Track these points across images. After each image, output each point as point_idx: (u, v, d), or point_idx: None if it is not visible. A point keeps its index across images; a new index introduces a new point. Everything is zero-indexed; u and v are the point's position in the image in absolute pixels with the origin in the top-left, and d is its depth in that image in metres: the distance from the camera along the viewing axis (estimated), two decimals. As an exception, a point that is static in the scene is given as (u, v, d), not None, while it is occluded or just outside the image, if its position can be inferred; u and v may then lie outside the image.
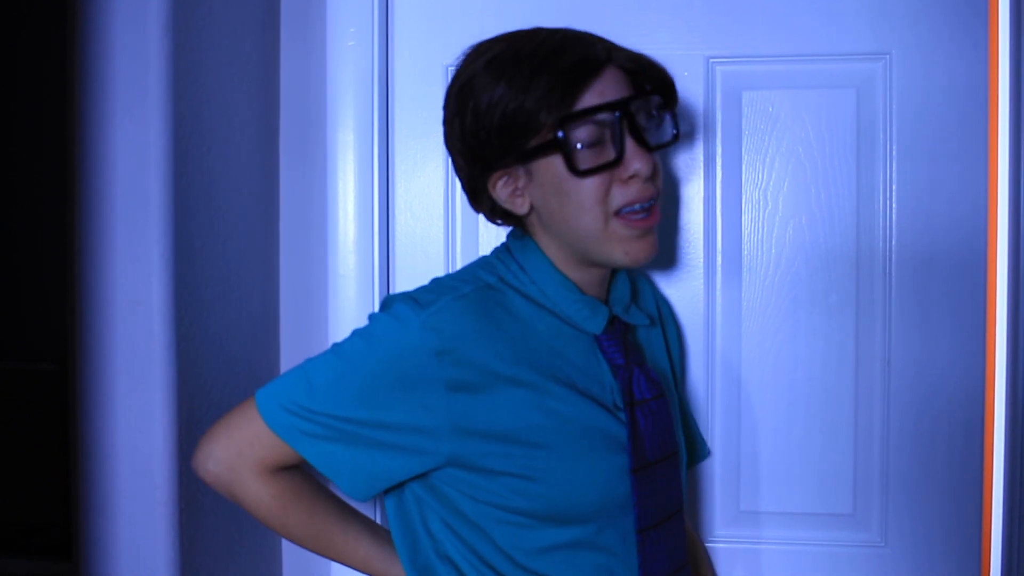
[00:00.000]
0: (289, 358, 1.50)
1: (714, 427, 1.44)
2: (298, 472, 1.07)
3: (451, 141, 1.08)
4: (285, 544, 1.50)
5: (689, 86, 1.42)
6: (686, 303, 1.44)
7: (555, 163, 1.01)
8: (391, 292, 1.48)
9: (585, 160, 0.99)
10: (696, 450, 1.37)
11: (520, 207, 1.06)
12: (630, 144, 1.00)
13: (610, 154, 1.00)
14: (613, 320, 1.10)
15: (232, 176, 1.32)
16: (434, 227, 1.48)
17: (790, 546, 1.44)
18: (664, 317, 1.29)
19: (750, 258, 1.42)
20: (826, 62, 1.40)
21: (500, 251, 1.12)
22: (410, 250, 1.48)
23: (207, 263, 1.24)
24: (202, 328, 1.23)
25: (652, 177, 1.03)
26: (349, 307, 1.46)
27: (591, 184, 1.00)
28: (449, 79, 1.45)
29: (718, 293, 1.43)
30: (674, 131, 1.07)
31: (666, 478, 1.07)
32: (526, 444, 1.00)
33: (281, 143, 1.50)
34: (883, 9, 1.39)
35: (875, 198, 1.40)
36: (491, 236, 1.45)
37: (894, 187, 1.39)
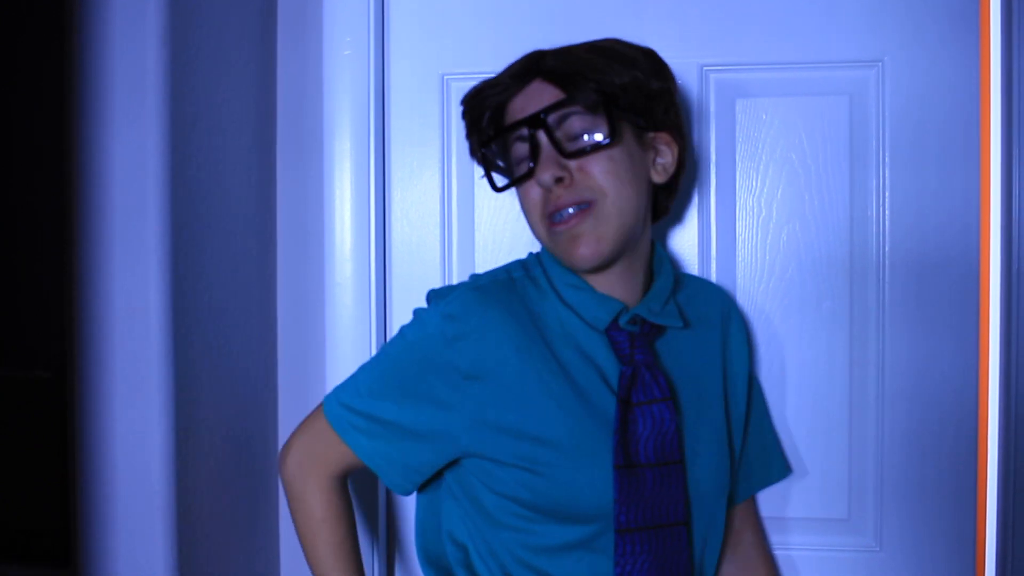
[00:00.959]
0: (286, 365, 1.51)
1: (709, 432, 1.44)
2: (347, 498, 1.18)
3: None
4: (283, 550, 1.50)
5: (682, 94, 1.42)
6: (681, 309, 1.44)
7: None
8: (388, 300, 1.49)
9: (506, 176, 1.13)
10: (769, 471, 1.34)
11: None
12: (542, 155, 1.06)
13: (501, 181, 1.13)
14: (635, 318, 1.10)
15: (229, 184, 1.32)
16: (430, 235, 1.48)
17: (786, 551, 1.44)
18: (731, 325, 1.26)
19: (744, 265, 1.43)
20: (819, 69, 1.41)
21: (529, 256, 1.20)
22: (406, 258, 1.49)
23: (204, 271, 1.25)
24: (199, 336, 1.23)
25: (566, 182, 1.05)
26: (346, 315, 1.46)
27: (523, 196, 1.10)
28: (445, 88, 1.47)
29: (713, 299, 1.44)
30: (602, 136, 1.06)
31: (661, 485, 1.07)
32: (533, 439, 1.03)
33: (278, 151, 1.50)
34: (876, 17, 1.40)
35: (868, 204, 1.41)
36: (487, 244, 1.46)
37: (887, 193, 1.40)
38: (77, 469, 1.16)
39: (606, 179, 1.05)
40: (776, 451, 1.36)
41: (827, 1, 1.40)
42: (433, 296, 1.13)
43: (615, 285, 1.12)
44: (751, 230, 1.42)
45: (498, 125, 1.13)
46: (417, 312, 1.13)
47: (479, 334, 1.05)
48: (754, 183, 1.42)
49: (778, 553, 1.44)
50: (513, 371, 1.04)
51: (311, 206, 1.49)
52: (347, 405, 1.12)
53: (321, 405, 1.16)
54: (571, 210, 1.05)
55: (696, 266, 1.43)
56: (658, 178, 1.13)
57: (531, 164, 1.06)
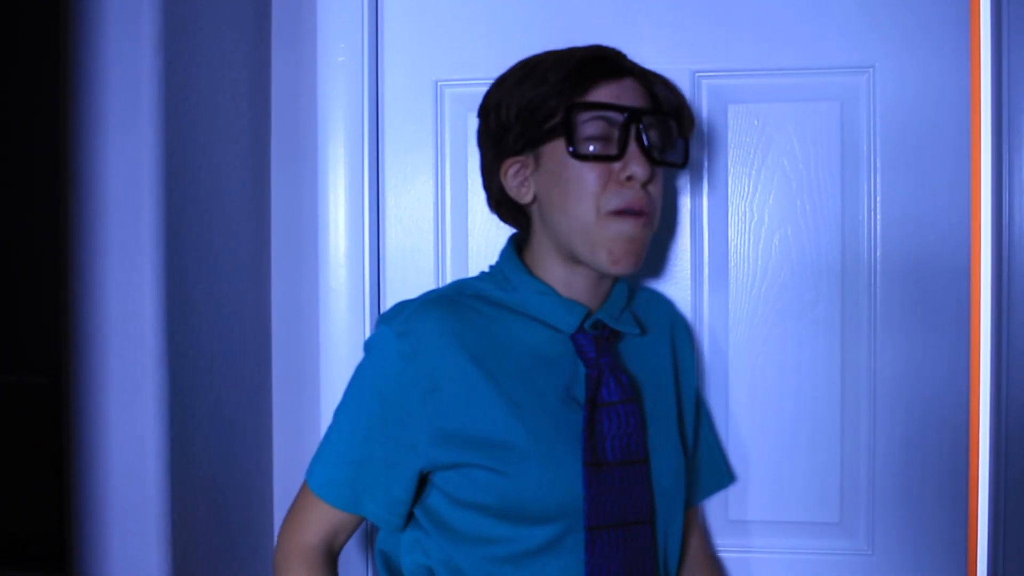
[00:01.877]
0: (280, 371, 1.51)
1: (702, 437, 1.45)
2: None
3: (480, 138, 1.18)
4: (277, 555, 1.50)
5: (675, 100, 1.43)
6: (674, 314, 1.45)
7: (559, 148, 1.07)
8: (382, 306, 1.49)
9: (585, 147, 1.06)
10: (718, 477, 1.37)
11: (524, 195, 1.12)
12: (633, 148, 1.06)
13: (612, 151, 1.06)
14: (596, 323, 1.13)
15: (224, 190, 1.33)
16: (424, 241, 1.49)
17: (778, 555, 1.45)
18: (678, 334, 1.29)
19: (737, 269, 1.44)
20: (811, 75, 1.42)
21: (491, 267, 1.19)
22: (401, 264, 1.50)
23: (199, 276, 1.25)
24: (194, 341, 1.23)
25: (648, 185, 1.08)
26: (340, 320, 1.47)
27: (589, 173, 1.06)
28: (439, 94, 1.48)
29: (705, 304, 1.45)
30: (682, 158, 1.15)
31: (627, 483, 1.08)
32: (495, 444, 1.04)
33: (272, 157, 1.51)
34: (867, 23, 1.40)
35: (860, 209, 1.41)
36: (481, 249, 1.46)
37: (878, 198, 1.41)
38: (72, 474, 1.16)
39: (659, 198, 1.12)
40: (722, 459, 1.40)
41: (818, 8, 1.41)
42: (382, 320, 1.11)
43: (583, 288, 1.13)
44: (743, 235, 1.43)
45: (579, 96, 1.08)
46: (368, 343, 1.11)
47: (434, 346, 1.05)
48: (746, 188, 1.43)
49: (770, 557, 1.44)
50: (469, 379, 1.05)
51: (305, 212, 1.50)
52: (331, 473, 1.11)
53: (304, 489, 1.15)
54: (640, 210, 1.08)
55: (689, 271, 1.44)
56: None
57: (615, 150, 1.06)
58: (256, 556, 1.43)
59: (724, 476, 1.39)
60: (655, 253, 1.45)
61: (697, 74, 1.43)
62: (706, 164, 1.44)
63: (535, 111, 1.08)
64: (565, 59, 1.08)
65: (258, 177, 1.46)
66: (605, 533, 1.06)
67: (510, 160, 1.12)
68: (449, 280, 1.47)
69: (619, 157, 1.06)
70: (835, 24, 1.41)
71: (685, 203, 1.44)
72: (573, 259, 1.11)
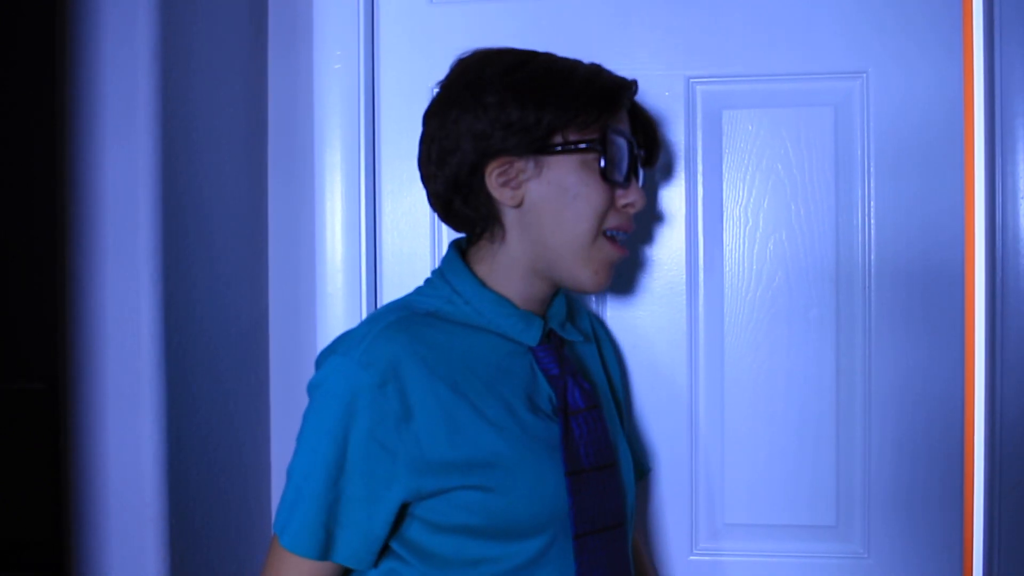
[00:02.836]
0: (278, 376, 1.51)
1: (697, 441, 1.46)
2: None
3: (454, 121, 1.06)
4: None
5: (670, 105, 1.44)
6: (668, 319, 1.45)
7: (571, 162, 1.05)
8: (377, 310, 1.49)
9: (607, 169, 1.06)
10: (640, 463, 1.39)
11: (511, 198, 1.06)
12: (635, 178, 1.10)
13: (617, 174, 1.07)
14: (549, 334, 1.12)
15: (221, 196, 1.33)
16: (421, 246, 1.49)
17: (774, 558, 1.45)
18: (600, 337, 1.32)
19: (731, 274, 1.44)
20: (804, 81, 1.42)
21: (433, 279, 1.13)
22: (397, 269, 1.50)
23: (196, 282, 1.25)
24: (192, 346, 1.23)
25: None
26: (337, 325, 1.47)
27: (601, 194, 1.05)
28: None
29: (700, 309, 1.45)
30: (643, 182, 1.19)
31: (603, 487, 1.08)
32: (476, 465, 1.00)
33: (269, 163, 1.51)
34: (860, 29, 1.41)
35: (854, 214, 1.42)
36: (477, 254, 1.46)
37: (872, 203, 1.41)
38: (70, 480, 1.17)
39: None
40: (642, 447, 1.45)
41: (812, 13, 1.41)
42: (333, 353, 1.02)
43: (535, 302, 1.12)
44: (738, 240, 1.44)
45: (613, 120, 1.09)
46: (321, 379, 1.01)
47: (402, 373, 0.99)
48: (741, 193, 1.43)
49: (766, 560, 1.45)
50: (443, 402, 1.00)
51: (302, 217, 1.50)
52: (302, 522, 1.01)
53: (274, 546, 1.05)
54: (626, 236, 1.11)
55: (684, 276, 1.45)
56: None
57: (621, 177, 1.08)
58: (254, 561, 1.43)
59: (644, 462, 1.43)
60: (649, 259, 1.45)
61: (691, 80, 1.44)
62: (701, 169, 1.44)
63: (557, 119, 1.03)
64: (591, 78, 1.07)
65: (255, 183, 1.46)
66: (590, 540, 1.05)
67: (501, 159, 1.05)
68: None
69: (627, 184, 1.08)
70: (829, 30, 1.41)
71: (680, 208, 1.45)
72: (537, 272, 1.09)
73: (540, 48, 1.12)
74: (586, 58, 1.12)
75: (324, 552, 1.01)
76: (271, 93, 1.51)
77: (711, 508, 1.46)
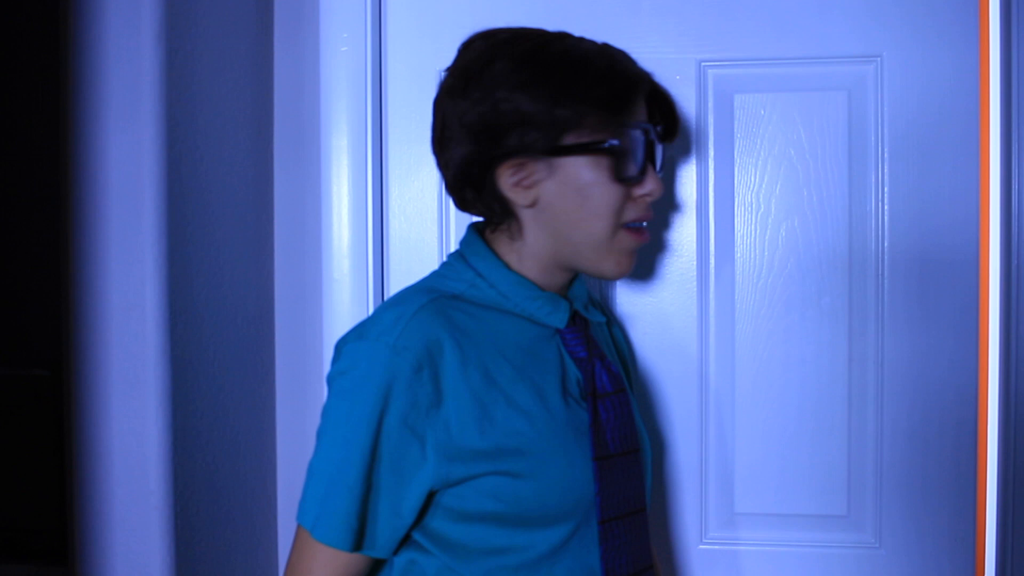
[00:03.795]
0: (284, 363, 1.50)
1: (708, 429, 1.45)
2: None
3: (458, 118, 1.04)
4: (281, 549, 1.50)
5: (681, 89, 1.42)
6: (679, 305, 1.44)
7: (584, 164, 1.02)
8: (385, 296, 1.48)
9: (621, 169, 1.03)
10: None
11: (524, 198, 1.03)
12: (649, 166, 1.06)
13: (634, 171, 1.04)
14: (574, 316, 1.11)
15: (226, 181, 1.32)
16: (428, 231, 1.48)
17: (785, 548, 1.44)
18: (610, 321, 1.32)
19: (743, 260, 1.43)
20: (818, 65, 1.41)
21: (452, 262, 1.11)
22: (404, 254, 1.49)
23: (201, 268, 1.24)
24: (196, 333, 1.23)
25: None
26: (343, 311, 1.46)
27: (615, 193, 1.03)
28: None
29: (711, 295, 1.44)
30: (661, 165, 1.12)
31: (628, 472, 1.08)
32: (512, 452, 1.00)
33: (275, 148, 1.50)
34: (874, 12, 1.39)
35: (867, 200, 1.40)
36: (485, 240, 1.45)
37: (886, 189, 1.40)
38: (74, 467, 1.16)
39: None
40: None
41: (826, -4, 1.40)
42: (362, 338, 1.00)
43: (557, 288, 1.11)
44: (749, 226, 1.42)
45: (626, 119, 1.04)
46: (350, 364, 0.99)
47: (436, 358, 0.97)
48: (752, 179, 1.42)
49: (777, 550, 1.44)
50: (474, 388, 0.99)
51: (308, 202, 1.49)
52: (334, 512, 0.98)
53: (301, 536, 1.02)
54: (645, 224, 1.09)
55: (695, 262, 1.43)
56: None
57: (636, 171, 1.04)
58: (259, 548, 1.42)
59: None
60: (660, 245, 1.44)
61: (703, 64, 1.42)
62: (712, 154, 1.43)
63: (570, 119, 1.00)
64: (605, 74, 1.02)
65: (261, 168, 1.45)
66: (615, 525, 1.05)
67: (513, 160, 1.02)
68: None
69: (639, 178, 1.05)
70: (843, 13, 1.40)
71: (691, 193, 1.43)
72: (559, 262, 1.08)
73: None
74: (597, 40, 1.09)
75: (358, 543, 0.99)
76: (277, 76, 1.49)
77: (722, 497, 1.45)
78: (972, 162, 1.38)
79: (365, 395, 0.97)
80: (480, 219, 1.13)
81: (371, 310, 1.45)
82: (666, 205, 1.44)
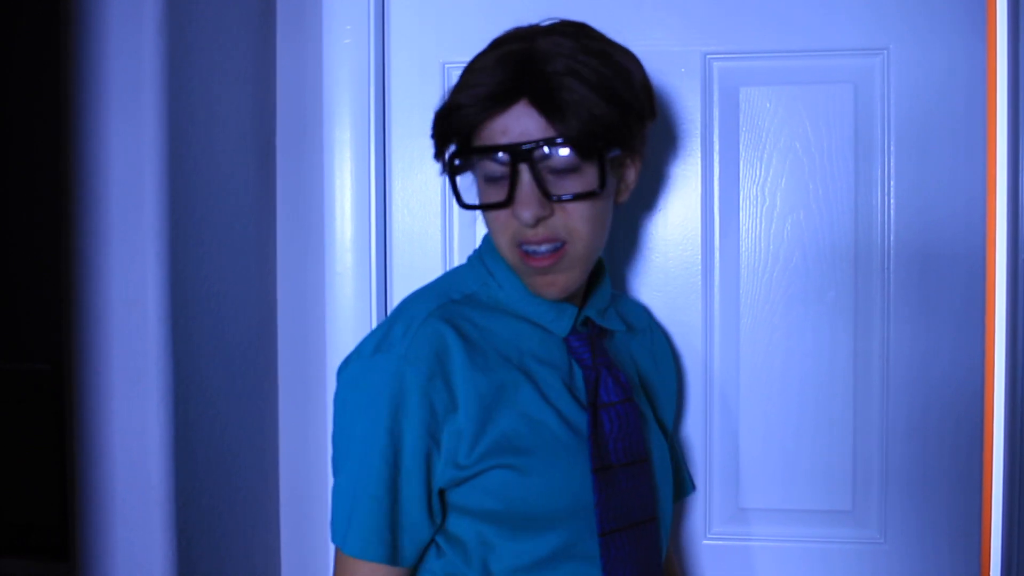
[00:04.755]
0: (287, 357, 1.50)
1: (713, 424, 1.44)
2: None
3: None
4: (284, 544, 1.50)
5: (686, 82, 1.41)
6: (684, 300, 1.43)
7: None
8: (388, 290, 1.47)
9: (475, 195, 1.02)
10: (681, 486, 1.33)
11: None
12: (522, 189, 0.97)
13: (501, 197, 0.98)
14: (586, 322, 1.10)
15: (228, 175, 1.32)
16: (431, 225, 1.47)
17: (790, 543, 1.44)
18: (657, 344, 1.29)
19: (748, 254, 1.42)
20: (823, 57, 1.40)
21: (472, 260, 1.12)
22: (407, 248, 1.48)
23: (203, 262, 1.24)
24: (198, 327, 1.22)
25: (549, 219, 0.98)
26: (346, 305, 1.45)
27: (492, 217, 1.02)
28: (446, 77, 1.45)
29: (716, 289, 1.43)
30: (592, 185, 0.98)
31: (632, 483, 1.05)
32: (511, 452, 0.99)
33: (278, 142, 1.49)
34: (880, 4, 1.38)
35: (873, 193, 1.40)
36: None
37: (892, 182, 1.39)
38: (76, 462, 1.16)
39: (584, 224, 1.00)
40: (686, 468, 1.37)
41: (832, -12, 1.39)
42: (371, 351, 1.00)
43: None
44: (755, 219, 1.42)
45: (469, 141, 1.01)
46: (353, 385, 1.01)
47: (447, 364, 0.98)
48: (758, 172, 1.41)
49: (782, 545, 1.43)
50: (480, 392, 0.99)
51: (311, 196, 1.49)
52: (367, 528, 0.99)
53: (340, 559, 1.02)
54: (544, 248, 0.99)
55: (699, 256, 1.43)
56: (622, 198, 1.09)
57: (504, 196, 0.98)
58: (262, 545, 1.42)
59: (687, 485, 1.36)
60: (664, 239, 1.43)
61: (708, 56, 1.41)
62: (717, 148, 1.42)
63: (439, 139, 1.04)
64: (471, 84, 0.99)
65: (263, 161, 1.44)
66: (618, 537, 1.03)
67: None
68: (456, 264, 1.45)
69: (508, 203, 0.97)
70: (849, 5, 1.39)
71: (696, 187, 1.43)
72: None
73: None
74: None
75: (393, 555, 0.99)
76: (279, 69, 1.49)
77: (726, 492, 1.45)
78: (979, 156, 1.38)
79: (380, 408, 0.98)
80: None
81: (374, 303, 1.45)
82: (670, 197, 1.43)
